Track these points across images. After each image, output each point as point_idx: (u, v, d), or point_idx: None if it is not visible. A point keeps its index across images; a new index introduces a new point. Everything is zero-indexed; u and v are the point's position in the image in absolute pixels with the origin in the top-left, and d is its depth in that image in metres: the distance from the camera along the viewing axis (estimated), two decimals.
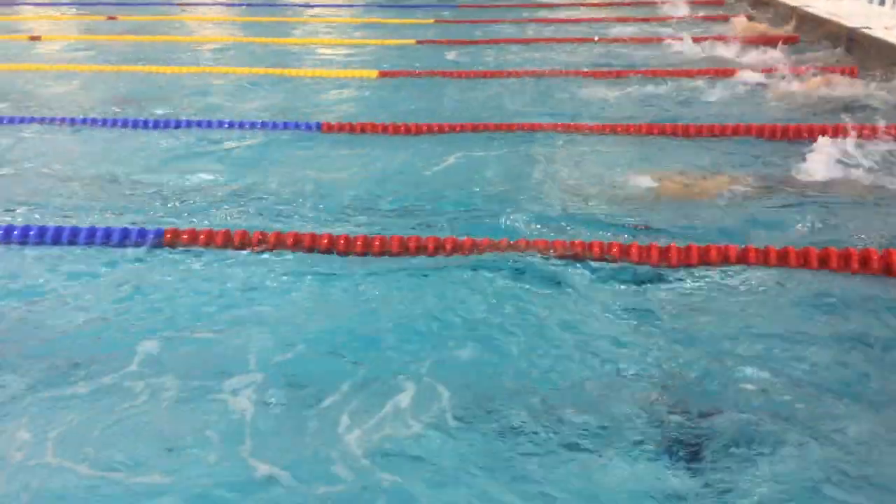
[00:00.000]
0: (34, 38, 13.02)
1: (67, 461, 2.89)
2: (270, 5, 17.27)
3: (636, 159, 6.27)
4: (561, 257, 4.37)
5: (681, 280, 4.22)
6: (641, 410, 3.13)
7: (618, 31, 13.16)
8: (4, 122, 7.32)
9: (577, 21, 14.64)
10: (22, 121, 7.35)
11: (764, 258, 4.30)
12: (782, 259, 4.29)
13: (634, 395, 3.23)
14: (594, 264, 4.33)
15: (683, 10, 14.51)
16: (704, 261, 4.32)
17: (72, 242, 4.61)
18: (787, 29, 11.79)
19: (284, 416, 3.14)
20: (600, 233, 4.76)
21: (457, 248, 4.47)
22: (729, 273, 4.26)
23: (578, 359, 3.51)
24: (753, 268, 4.27)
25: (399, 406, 3.15)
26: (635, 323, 3.79)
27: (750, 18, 13.33)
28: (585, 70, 9.51)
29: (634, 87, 8.58)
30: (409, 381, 3.32)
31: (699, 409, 3.14)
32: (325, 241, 4.55)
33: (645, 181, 5.63)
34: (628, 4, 16.52)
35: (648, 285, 4.15)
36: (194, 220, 4.99)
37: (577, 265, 4.33)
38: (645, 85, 8.66)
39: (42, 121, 7.34)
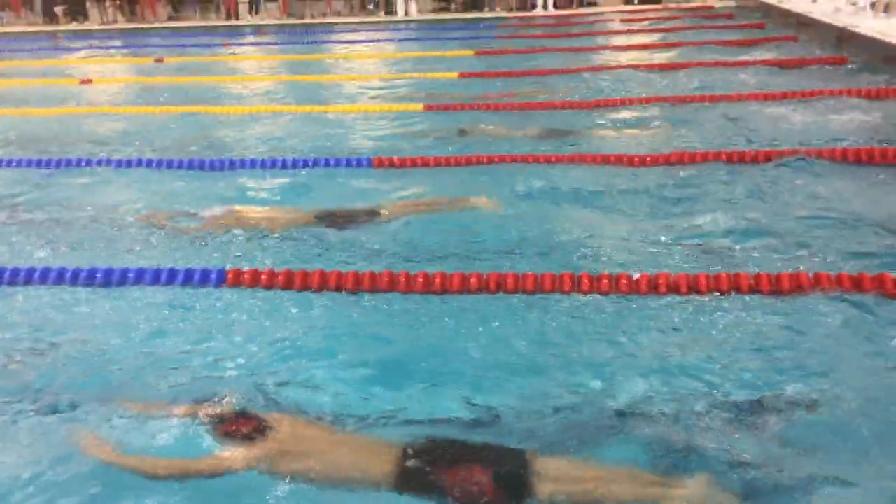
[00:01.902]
0: (85, 82, 13.34)
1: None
2: (313, 42, 17.55)
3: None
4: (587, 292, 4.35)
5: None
6: None
7: (651, 56, 13.15)
8: (54, 164, 7.45)
9: (618, 49, 14.64)
10: (72, 163, 7.47)
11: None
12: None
13: None
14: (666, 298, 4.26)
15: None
16: None
17: (137, 283, 4.65)
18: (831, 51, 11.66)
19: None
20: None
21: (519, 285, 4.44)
22: None
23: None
24: None
25: None
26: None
27: None
28: (634, 98, 9.46)
29: (683, 114, 8.54)
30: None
31: None
32: (386, 279, 4.54)
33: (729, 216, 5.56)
34: (667, 30, 16.53)
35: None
36: (253, 260, 5.01)
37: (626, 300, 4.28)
38: (698, 111, 8.60)
39: (92, 163, 7.45)
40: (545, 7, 22.87)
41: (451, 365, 3.82)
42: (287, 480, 2.97)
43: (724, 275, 4.35)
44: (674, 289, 4.32)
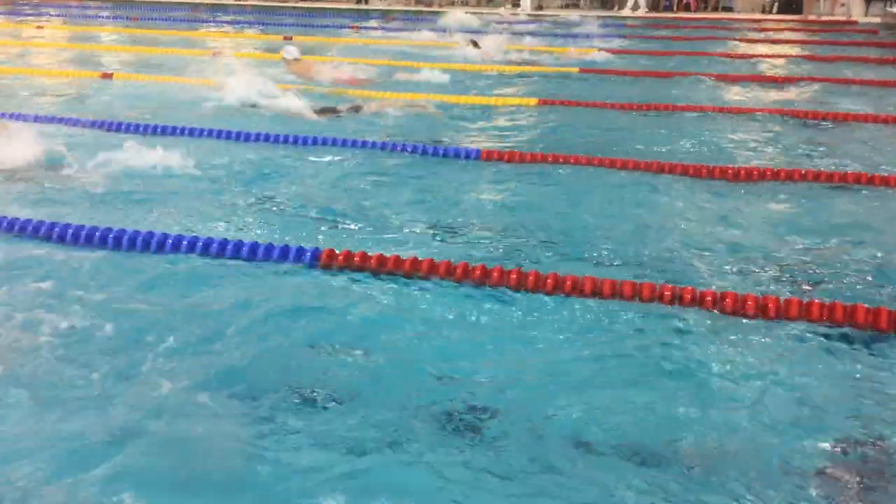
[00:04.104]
0: (216, 54, 13.80)
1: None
2: (436, 29, 17.59)
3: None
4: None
5: None
6: None
7: (781, 67, 12.54)
8: (186, 132, 7.73)
9: (746, 57, 14.07)
10: (202, 133, 7.74)
11: None
12: None
13: None
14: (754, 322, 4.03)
15: None
16: None
17: (235, 256, 4.74)
18: None
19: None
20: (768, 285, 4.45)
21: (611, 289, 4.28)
22: None
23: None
24: None
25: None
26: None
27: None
28: (755, 108, 9.06)
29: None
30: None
31: None
32: (478, 272, 4.46)
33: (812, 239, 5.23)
34: (803, 41, 15.73)
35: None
36: (349, 241, 5.04)
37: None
38: (824, 128, 8.16)
39: (220, 134, 7.70)
40: (674, 10, 22.29)
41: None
42: None
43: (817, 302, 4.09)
44: (762, 311, 4.08)
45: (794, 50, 15.17)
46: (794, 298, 4.16)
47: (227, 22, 19.83)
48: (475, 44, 14.05)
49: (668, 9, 23.69)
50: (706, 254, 4.96)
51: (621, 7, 22.68)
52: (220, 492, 2.88)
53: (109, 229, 4.96)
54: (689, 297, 4.19)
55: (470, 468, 2.96)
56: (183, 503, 2.84)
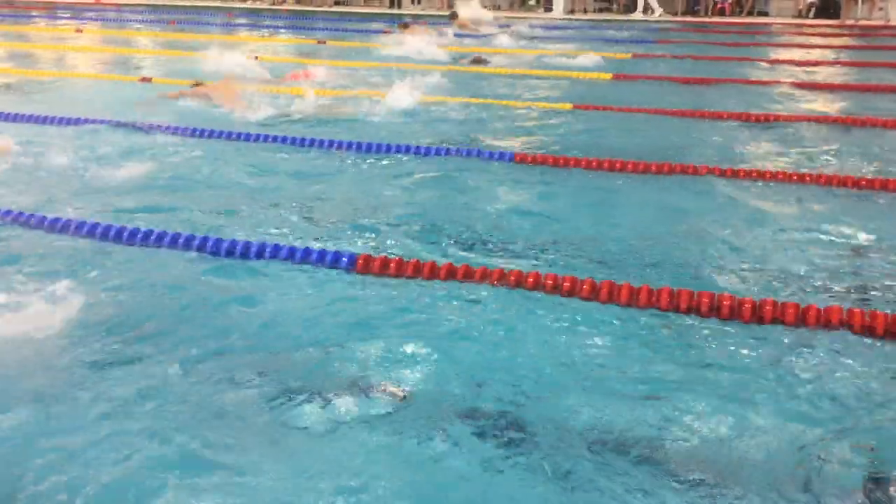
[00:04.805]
0: (255, 58, 13.93)
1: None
2: (472, 36, 17.64)
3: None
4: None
5: None
6: None
7: (814, 73, 12.42)
8: (224, 136, 7.82)
9: (781, 62, 13.94)
10: (238, 136, 7.82)
11: None
12: None
13: None
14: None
15: None
16: None
17: (273, 258, 4.79)
18: None
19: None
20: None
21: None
22: None
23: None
24: None
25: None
26: None
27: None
28: (791, 115, 8.99)
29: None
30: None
31: None
32: (513, 277, 4.47)
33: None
34: (838, 46, 15.54)
35: None
36: (385, 247, 5.07)
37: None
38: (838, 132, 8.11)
39: (256, 137, 7.78)
40: (708, 14, 22.16)
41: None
42: None
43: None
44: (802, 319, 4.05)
45: (832, 55, 14.99)
46: (835, 306, 4.11)
47: (263, 26, 20.03)
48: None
49: (704, 13, 23.50)
50: (745, 260, 4.92)
51: (647, 11, 22.51)
52: (255, 489, 2.92)
53: (151, 230, 5.05)
54: (727, 304, 4.16)
55: (505, 470, 2.98)
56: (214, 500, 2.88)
